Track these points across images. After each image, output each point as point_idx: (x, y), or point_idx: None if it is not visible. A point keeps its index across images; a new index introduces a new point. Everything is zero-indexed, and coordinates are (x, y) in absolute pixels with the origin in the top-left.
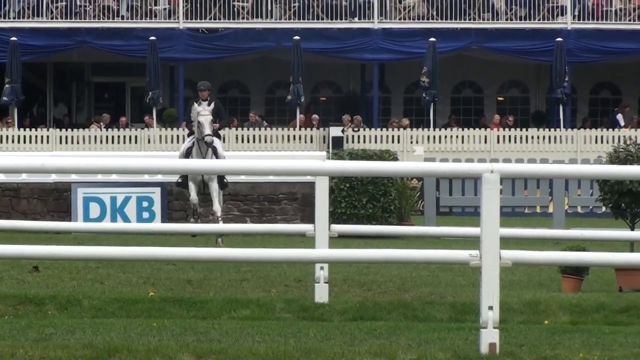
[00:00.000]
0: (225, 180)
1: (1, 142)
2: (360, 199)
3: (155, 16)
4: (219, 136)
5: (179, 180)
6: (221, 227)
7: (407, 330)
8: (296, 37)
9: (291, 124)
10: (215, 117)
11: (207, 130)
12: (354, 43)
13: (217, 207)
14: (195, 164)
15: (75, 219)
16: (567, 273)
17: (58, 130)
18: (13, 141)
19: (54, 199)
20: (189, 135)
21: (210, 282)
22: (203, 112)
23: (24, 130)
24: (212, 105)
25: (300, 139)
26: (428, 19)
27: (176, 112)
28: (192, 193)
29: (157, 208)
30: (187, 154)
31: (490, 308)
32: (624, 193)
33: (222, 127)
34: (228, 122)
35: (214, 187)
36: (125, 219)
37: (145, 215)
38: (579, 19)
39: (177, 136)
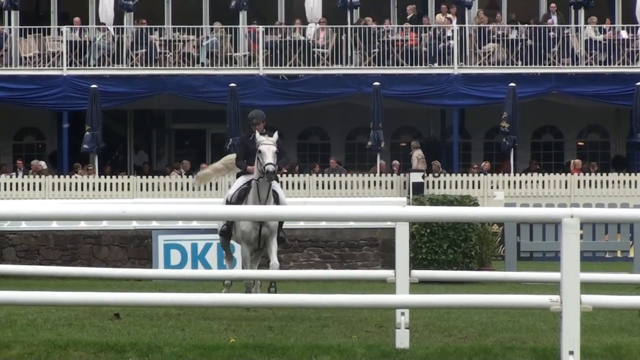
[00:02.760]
0: (282, 235)
1: (82, 190)
2: (441, 245)
3: (235, 63)
4: (277, 180)
5: (224, 229)
6: (302, 273)
7: None
8: (376, 83)
9: (371, 170)
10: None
11: (270, 159)
12: (434, 88)
13: (276, 261)
14: (276, 210)
15: (156, 266)
16: None
17: (138, 177)
18: (94, 189)
19: (134, 246)
20: (238, 176)
21: (291, 328)
22: (266, 142)
23: (105, 177)
24: (275, 135)
25: (380, 184)
26: (507, 64)
27: None
28: (245, 262)
29: (238, 255)
30: (240, 199)
31: (571, 353)
32: None
33: (283, 166)
34: (288, 160)
35: (274, 242)
36: (206, 266)
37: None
38: None
39: None
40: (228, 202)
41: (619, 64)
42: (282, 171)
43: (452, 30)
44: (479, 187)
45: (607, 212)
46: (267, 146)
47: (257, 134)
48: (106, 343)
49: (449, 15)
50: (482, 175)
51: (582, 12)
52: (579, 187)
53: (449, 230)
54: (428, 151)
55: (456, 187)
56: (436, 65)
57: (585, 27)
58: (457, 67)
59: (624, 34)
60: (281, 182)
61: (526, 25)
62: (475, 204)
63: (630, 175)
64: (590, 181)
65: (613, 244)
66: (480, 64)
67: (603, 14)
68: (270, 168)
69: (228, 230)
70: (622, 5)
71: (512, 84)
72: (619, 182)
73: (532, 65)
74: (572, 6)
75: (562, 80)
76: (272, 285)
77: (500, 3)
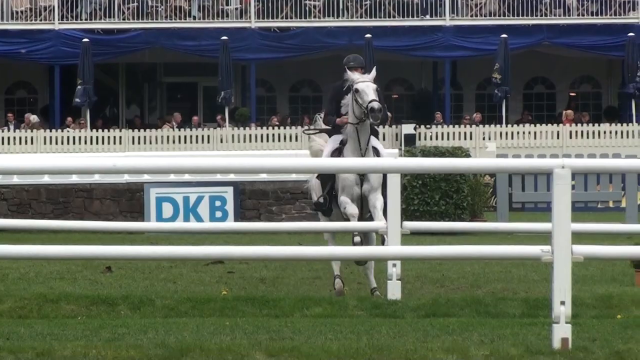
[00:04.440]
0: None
1: (74, 144)
2: (433, 196)
3: (227, 16)
4: (376, 134)
5: (320, 201)
6: (291, 225)
7: (479, 326)
8: (368, 35)
9: None
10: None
11: (373, 95)
12: (426, 40)
13: (382, 221)
14: (283, 162)
15: (148, 219)
16: None
17: (130, 130)
18: (85, 142)
19: (126, 199)
20: (331, 133)
21: (283, 280)
22: (362, 79)
23: (97, 131)
24: (374, 72)
25: None
26: (499, 15)
27: (248, 112)
28: (348, 208)
29: (229, 207)
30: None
31: (563, 303)
32: None
33: (384, 121)
34: (387, 116)
35: (378, 198)
36: (198, 219)
37: (218, 214)
38: None
39: (250, 135)
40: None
41: (610, 15)
42: (385, 122)
43: None
44: (470, 139)
45: (599, 162)
46: (365, 84)
47: (348, 72)
48: (98, 296)
49: None
50: (474, 126)
51: None
52: (570, 137)
53: (441, 181)
54: (420, 103)
55: (448, 139)
56: (428, 17)
57: None
58: (449, 18)
59: None
60: (272, 135)
61: None
62: (467, 156)
63: (622, 125)
64: (582, 132)
65: (605, 194)
66: (472, 16)
67: None
68: (375, 105)
69: (326, 202)
70: None
71: (504, 35)
72: (610, 132)
73: (523, 17)
74: None
75: (553, 31)
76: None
77: None
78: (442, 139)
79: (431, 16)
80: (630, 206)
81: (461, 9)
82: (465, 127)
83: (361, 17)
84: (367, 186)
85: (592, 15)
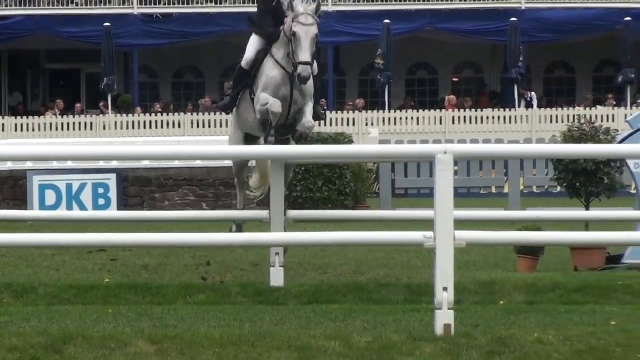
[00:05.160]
0: (323, 112)
1: None
2: (316, 182)
3: (110, 2)
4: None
5: (225, 102)
6: (174, 214)
7: (362, 312)
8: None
9: None
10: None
11: (307, 51)
12: None
13: (310, 119)
14: (159, 150)
15: (31, 207)
16: (523, 253)
17: (13, 118)
18: None
19: (9, 187)
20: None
21: (166, 267)
22: (304, 19)
23: None
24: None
25: None
26: (382, 1)
27: (131, 98)
28: (272, 103)
29: (112, 195)
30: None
31: (445, 289)
32: (578, 172)
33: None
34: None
35: (308, 104)
36: (82, 206)
37: (101, 202)
38: None
39: (133, 122)
40: (243, 70)
41: (494, 0)
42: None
43: None
44: (353, 125)
45: (481, 147)
46: (306, 29)
47: None
48: None
49: None
50: (356, 112)
51: None
52: (453, 123)
53: (324, 168)
54: None
55: (331, 125)
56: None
57: None
58: (332, 4)
59: None
60: (156, 122)
61: None
62: (350, 142)
63: (504, 111)
64: (465, 117)
65: (487, 180)
66: (354, 1)
67: None
68: (304, 72)
69: (230, 105)
70: None
71: (387, 21)
72: (493, 117)
73: (406, 2)
74: None
75: (436, 17)
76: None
77: None
78: (325, 125)
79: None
80: (513, 192)
81: None
82: (348, 113)
83: (244, 2)
84: (298, 92)
85: (475, 0)
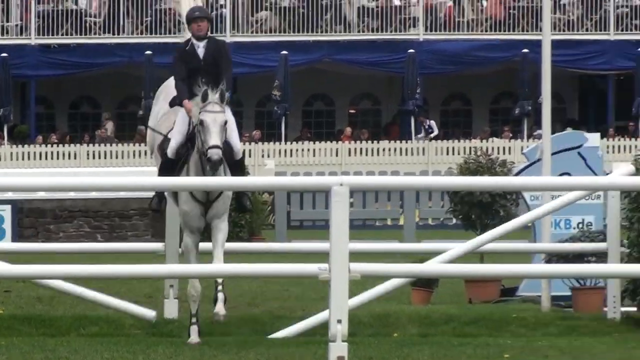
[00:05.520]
0: (248, 204)
1: None
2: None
3: (7, 32)
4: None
5: (153, 206)
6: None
7: (256, 345)
8: (148, 52)
9: (136, 140)
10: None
11: (216, 137)
12: None
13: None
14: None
15: None
16: (417, 285)
17: None
18: None
19: None
20: (171, 105)
21: (60, 299)
22: (212, 107)
23: None
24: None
25: (147, 154)
26: (280, 32)
27: (27, 129)
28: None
29: (7, 226)
30: (179, 157)
31: (339, 321)
32: (474, 204)
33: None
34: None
35: (221, 229)
36: None
37: None
38: (431, 30)
39: (29, 153)
40: (165, 156)
41: (391, 31)
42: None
43: None
44: (250, 156)
45: (376, 179)
46: (213, 116)
47: (194, 46)
48: None
49: None
50: (253, 143)
51: None
52: (349, 155)
53: None
54: None
55: None
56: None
57: None
58: (230, 34)
59: (396, 1)
60: (52, 153)
61: None
62: (247, 173)
63: (401, 142)
64: (361, 149)
65: (383, 212)
66: (252, 32)
67: None
68: (215, 156)
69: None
70: None
71: (284, 52)
72: (389, 149)
73: (304, 33)
74: None
75: (334, 48)
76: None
77: None
78: None
79: (212, 32)
80: (408, 224)
81: (242, 25)
82: (244, 144)
83: (141, 34)
84: (212, 213)
85: (373, 31)
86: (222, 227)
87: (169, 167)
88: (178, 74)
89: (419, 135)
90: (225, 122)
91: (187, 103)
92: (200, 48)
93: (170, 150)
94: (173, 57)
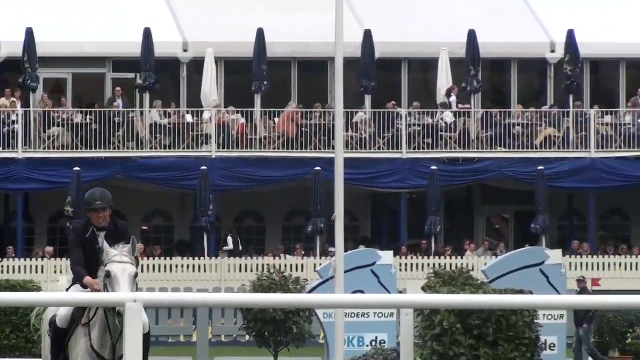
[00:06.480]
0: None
1: None
2: (4, 330)
3: None
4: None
5: None
6: None
7: None
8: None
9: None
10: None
11: (126, 288)
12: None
13: None
14: None
15: None
16: None
17: None
18: None
19: None
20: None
21: None
22: (118, 258)
23: None
24: (128, 247)
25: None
26: (73, 148)
27: None
28: None
29: None
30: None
31: None
32: (267, 321)
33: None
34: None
35: None
36: None
37: None
38: (224, 148)
39: None
40: (54, 329)
41: (184, 148)
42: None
43: (17, 114)
44: (42, 272)
45: (170, 296)
46: (121, 267)
47: (103, 241)
48: None
49: (13, 99)
50: (45, 259)
51: (147, 96)
52: (143, 271)
53: (12, 315)
54: None
55: (19, 272)
56: (1, 149)
57: (150, 111)
58: (22, 150)
59: (189, 118)
60: None
61: (91, 109)
62: (39, 289)
63: (194, 259)
64: (154, 265)
65: (176, 329)
66: (45, 148)
67: (169, 98)
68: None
69: None
70: (188, 89)
71: (77, 168)
72: (182, 266)
73: (97, 150)
74: (137, 90)
75: (127, 164)
76: None
77: (65, 87)
78: (14, 272)
79: (3, 148)
80: (201, 341)
81: (34, 141)
82: (37, 260)
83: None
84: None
85: (165, 148)
86: None
87: (61, 337)
88: (74, 258)
89: (226, 248)
90: (136, 275)
91: (89, 279)
92: (101, 237)
93: (60, 319)
94: (71, 239)
